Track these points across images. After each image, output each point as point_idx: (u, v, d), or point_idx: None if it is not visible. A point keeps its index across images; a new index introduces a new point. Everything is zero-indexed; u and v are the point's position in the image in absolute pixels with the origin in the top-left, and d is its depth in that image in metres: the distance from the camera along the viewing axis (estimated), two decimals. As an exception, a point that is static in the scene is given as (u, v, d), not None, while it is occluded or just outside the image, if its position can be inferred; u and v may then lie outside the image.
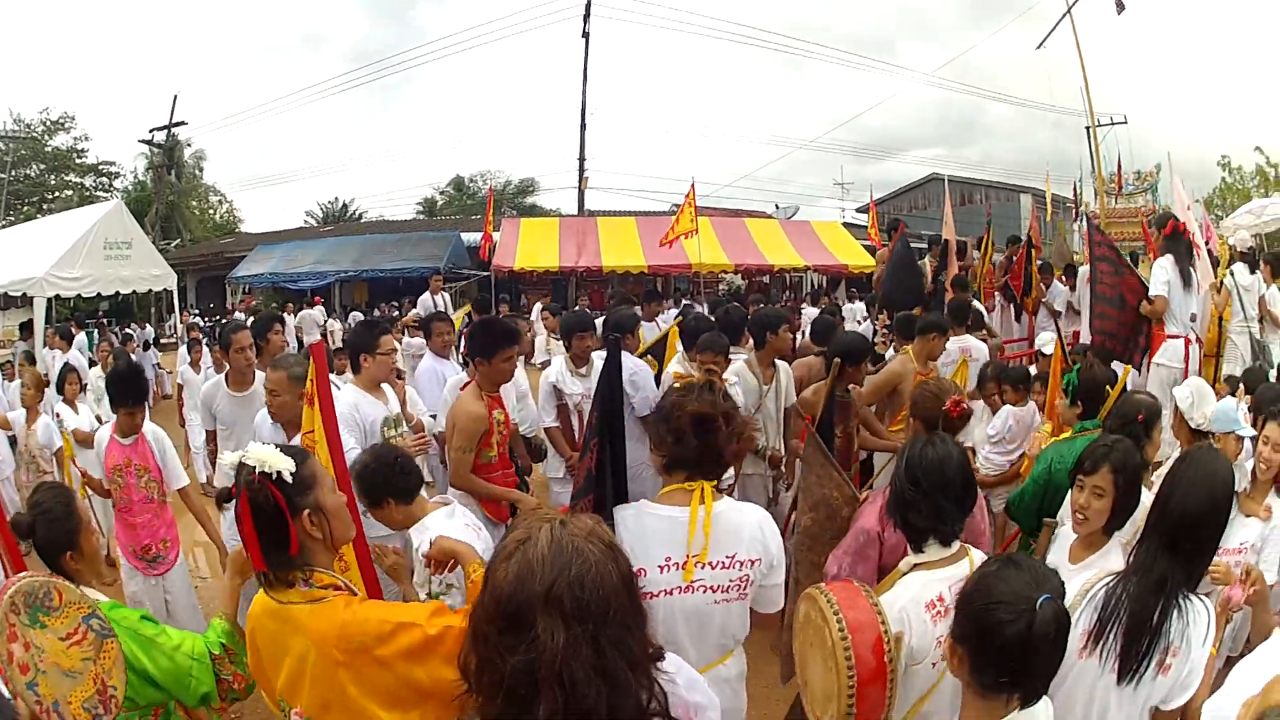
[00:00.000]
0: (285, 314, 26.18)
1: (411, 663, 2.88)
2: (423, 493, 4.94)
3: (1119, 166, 34.40)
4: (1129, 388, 6.86)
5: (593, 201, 47.82)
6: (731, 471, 7.00)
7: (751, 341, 8.48)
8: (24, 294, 20.42)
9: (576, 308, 25.05)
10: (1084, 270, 13.80)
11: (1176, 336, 9.87)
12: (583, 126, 46.39)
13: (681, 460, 3.81)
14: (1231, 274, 11.13)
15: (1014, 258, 16.29)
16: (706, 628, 3.76)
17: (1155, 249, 11.48)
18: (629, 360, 7.83)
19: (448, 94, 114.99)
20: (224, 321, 19.50)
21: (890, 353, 10.29)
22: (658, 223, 32.36)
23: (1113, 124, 40.52)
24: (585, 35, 45.35)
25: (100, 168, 52.13)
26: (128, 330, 26.81)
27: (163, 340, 28.52)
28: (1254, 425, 5.85)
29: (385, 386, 7.11)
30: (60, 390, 11.00)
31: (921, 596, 3.54)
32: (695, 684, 2.53)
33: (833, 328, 10.73)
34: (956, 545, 3.75)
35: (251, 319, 12.22)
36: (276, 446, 3.11)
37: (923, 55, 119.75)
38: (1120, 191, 32.87)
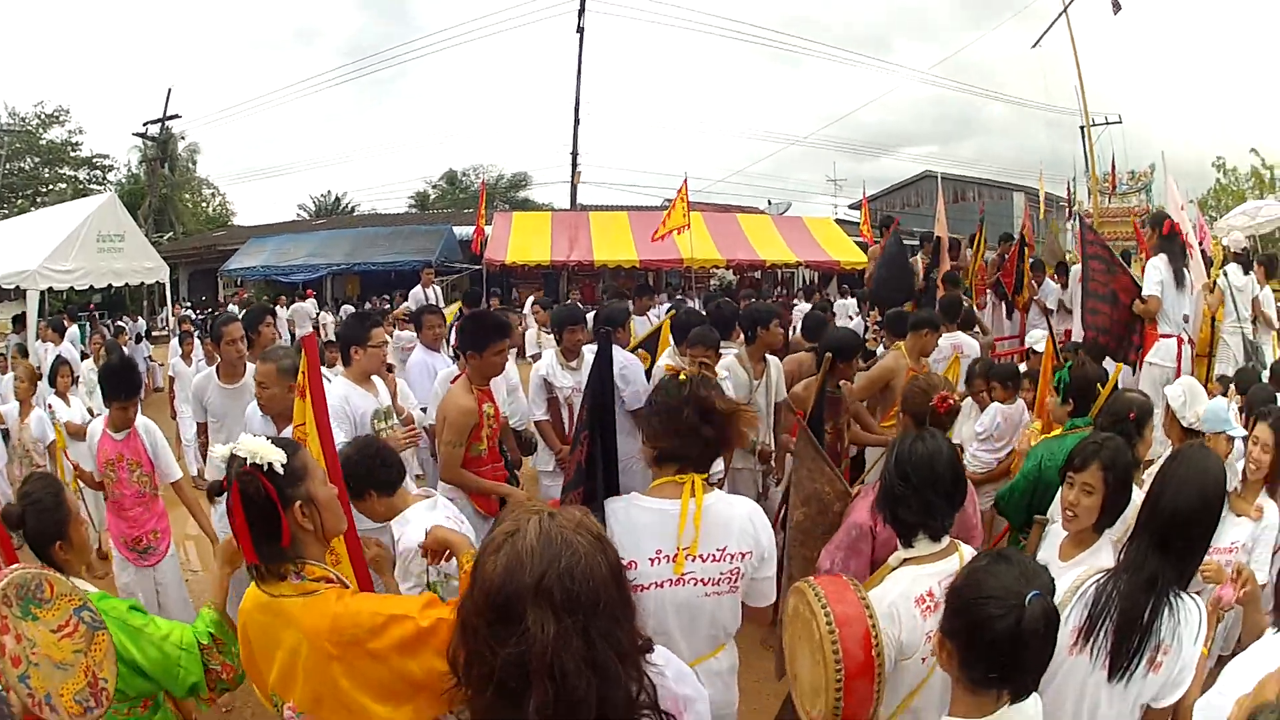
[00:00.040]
0: (278, 307, 26.23)
1: (404, 655, 2.87)
2: (411, 484, 4.96)
3: (1113, 166, 34.47)
4: (1120, 386, 6.87)
5: (585, 196, 47.90)
6: (721, 466, 7.04)
7: (742, 336, 8.49)
8: (17, 287, 20.40)
9: (568, 302, 25.02)
10: (1076, 269, 13.82)
11: (1169, 336, 9.89)
12: (576, 121, 46.37)
13: (672, 453, 3.81)
14: (1225, 274, 11.15)
15: (1006, 255, 16.31)
16: (697, 621, 3.76)
17: (1148, 248, 11.50)
18: (619, 354, 7.82)
19: (441, 88, 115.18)
20: (216, 314, 19.53)
21: (881, 349, 10.31)
22: (650, 217, 32.32)
23: (1107, 124, 40.63)
24: (579, 30, 45.34)
25: (94, 161, 51.93)
26: (119, 323, 26.78)
27: (154, 333, 28.55)
28: (1245, 425, 5.88)
29: (376, 379, 7.09)
30: (52, 383, 11.00)
31: (911, 591, 3.54)
32: (684, 677, 2.53)
33: (824, 323, 10.78)
34: (946, 540, 3.75)
35: (243, 311, 12.21)
36: (267, 438, 3.11)
37: (918, 52, 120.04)
38: (1114, 191, 32.92)
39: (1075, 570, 3.78)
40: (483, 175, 58.39)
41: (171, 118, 50.49)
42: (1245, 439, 5.72)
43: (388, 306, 24.76)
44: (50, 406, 10.34)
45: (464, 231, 37.79)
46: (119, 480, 7.06)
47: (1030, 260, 15.82)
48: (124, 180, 52.27)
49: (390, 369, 7.64)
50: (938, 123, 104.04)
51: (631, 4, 66.91)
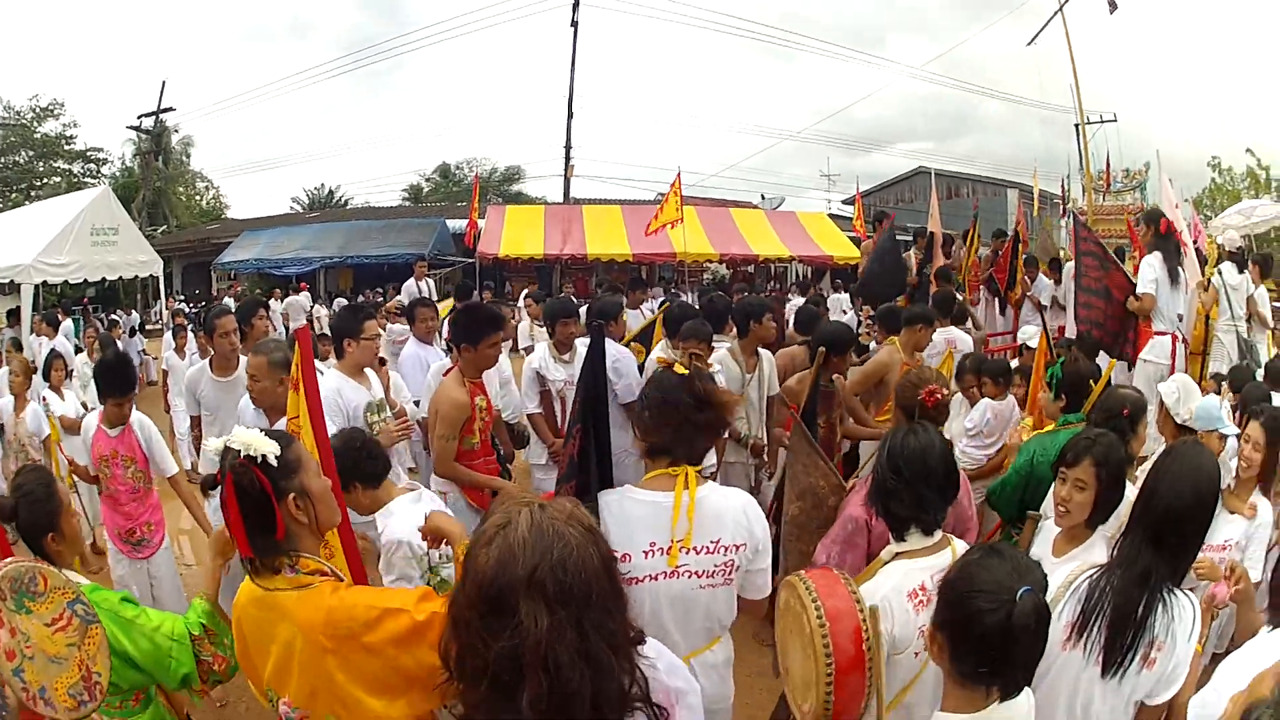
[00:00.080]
0: (272, 300, 26.23)
1: (399, 649, 2.86)
2: (403, 477, 4.96)
3: (1108, 164, 34.48)
4: (1113, 382, 6.88)
5: (579, 190, 47.86)
6: (714, 459, 7.05)
7: (735, 330, 8.50)
8: (11, 281, 20.36)
9: (561, 295, 25.06)
10: (1069, 266, 13.83)
11: (1164, 333, 9.92)
12: (570, 115, 46.38)
13: (665, 446, 3.82)
14: (1219, 273, 11.15)
15: (999, 252, 16.31)
16: (692, 613, 3.76)
17: (1141, 245, 11.51)
18: (612, 347, 7.85)
19: (435, 81, 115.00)
20: (209, 307, 19.54)
21: (873, 344, 10.33)
22: (643, 211, 32.39)
23: (1102, 122, 40.57)
24: (574, 24, 45.35)
25: (88, 154, 51.82)
26: (113, 316, 26.78)
27: (148, 326, 28.47)
28: (1239, 423, 5.90)
29: (369, 372, 7.11)
30: (46, 377, 10.98)
31: (903, 585, 3.54)
32: (676, 669, 2.52)
33: (817, 318, 10.76)
34: (939, 534, 3.75)
35: (236, 304, 12.22)
36: (261, 431, 3.11)
37: (913, 49, 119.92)
38: (1109, 189, 32.93)
39: (1068, 566, 3.77)
40: (476, 168, 58.28)
41: (165, 110, 50.50)
42: (1238, 437, 5.74)
43: (380, 299, 24.74)
44: (45, 400, 10.33)
45: (457, 225, 37.79)
46: (113, 476, 7.05)
47: (1024, 256, 15.83)
48: (118, 174, 52.21)
49: (383, 362, 7.63)
50: (932, 119, 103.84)
51: (627, -2, 66.87)
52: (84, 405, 11.16)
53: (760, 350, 8.40)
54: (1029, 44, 41.57)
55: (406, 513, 4.58)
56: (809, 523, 5.31)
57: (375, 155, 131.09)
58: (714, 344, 8.05)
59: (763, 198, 49.86)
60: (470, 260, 34.28)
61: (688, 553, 3.67)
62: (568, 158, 46.60)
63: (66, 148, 50.77)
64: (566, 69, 46.27)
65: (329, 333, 8.78)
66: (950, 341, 10.12)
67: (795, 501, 5.46)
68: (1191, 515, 3.47)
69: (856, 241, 29.34)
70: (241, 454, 2.98)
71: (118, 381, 7.04)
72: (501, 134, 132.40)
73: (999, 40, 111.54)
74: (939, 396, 5.35)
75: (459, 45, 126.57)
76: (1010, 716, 2.79)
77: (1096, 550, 4.08)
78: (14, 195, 46.36)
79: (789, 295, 27.13)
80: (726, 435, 7.73)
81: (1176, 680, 3.39)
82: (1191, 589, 3.65)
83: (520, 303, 20.38)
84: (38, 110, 49.64)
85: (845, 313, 20.13)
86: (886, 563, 3.71)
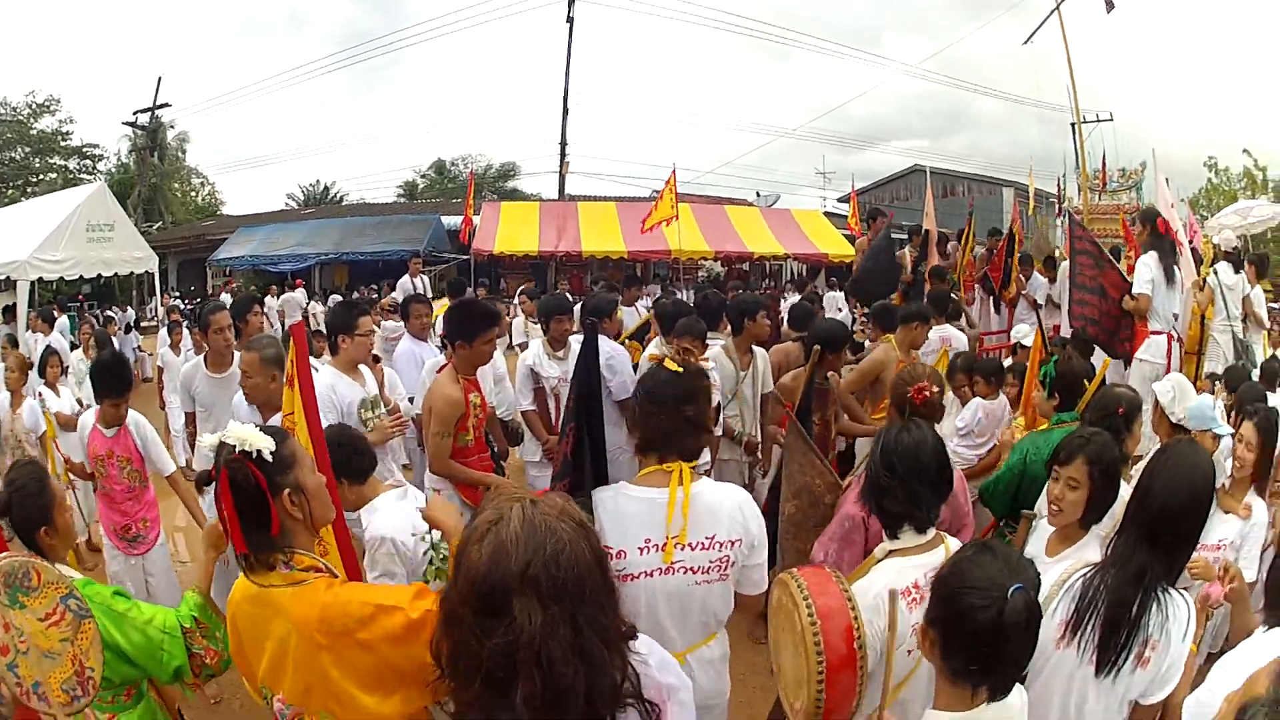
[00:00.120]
0: (269, 296, 26.21)
1: (393, 646, 2.87)
2: (398, 473, 4.96)
3: (1104, 163, 34.46)
4: (1108, 382, 6.89)
5: (574, 186, 47.84)
6: (708, 456, 7.06)
7: (729, 327, 8.51)
8: (7, 277, 20.33)
9: (556, 292, 25.06)
10: (1064, 265, 13.84)
11: (1159, 333, 9.92)
12: (565, 111, 46.36)
13: (656, 441, 3.84)
14: (1215, 272, 11.17)
15: (994, 250, 16.32)
16: (688, 609, 3.78)
17: (1137, 244, 11.52)
18: (606, 344, 7.85)
19: (431, 77, 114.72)
20: (204, 304, 19.52)
21: (868, 343, 10.34)
22: (638, 208, 32.35)
23: (1098, 121, 40.52)
24: (569, 20, 45.34)
25: (84, 150, 51.78)
26: (109, 313, 26.73)
27: (143, 323, 28.43)
28: (1234, 423, 5.92)
29: (363, 368, 7.11)
30: (42, 374, 10.96)
31: (896, 583, 3.49)
32: (668, 665, 2.52)
33: (811, 314, 10.77)
34: (932, 532, 3.76)
35: (231, 300, 12.23)
36: (255, 426, 3.11)
37: (909, 47, 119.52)
38: (1104, 188, 32.92)
39: (1061, 565, 3.78)
40: (471, 165, 58.45)
41: (161, 106, 50.44)
42: (1231, 436, 5.76)
43: (376, 296, 24.75)
44: (41, 396, 10.33)
45: (452, 221, 37.95)
46: (109, 475, 7.05)
47: (1019, 254, 15.83)
48: (113, 170, 52.12)
49: (377, 359, 7.64)
50: (928, 117, 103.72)
51: (622, -5, 66.86)
52: (79, 402, 11.16)
53: (754, 348, 8.40)
54: (1025, 42, 41.41)
55: (391, 510, 4.60)
56: (806, 521, 5.33)
57: (370, 151, 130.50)
58: (708, 341, 8.06)
59: (758, 195, 49.88)
60: (465, 257, 34.27)
61: (683, 549, 3.68)
62: (563, 154, 46.64)
63: (62, 144, 50.74)
64: (562, 65, 46.34)
65: (324, 329, 8.79)
66: (945, 339, 10.12)
67: (792, 500, 5.47)
68: (1186, 514, 3.46)
69: (851, 239, 29.39)
70: (237, 449, 2.98)
71: (114, 382, 7.02)
72: (497, 130, 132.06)
73: (995, 39, 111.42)
74: (927, 394, 5.35)
75: (454, 41, 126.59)
76: (1003, 715, 2.80)
77: (1090, 550, 4.05)
78: (10, 192, 46.25)
79: (785, 293, 27.13)
80: (721, 433, 7.76)
81: (1171, 680, 3.38)
82: (1186, 588, 3.65)
83: (515, 300, 20.42)
84: (34, 106, 49.62)
85: (840, 310, 20.11)
86: (880, 560, 3.71)
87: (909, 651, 3.48)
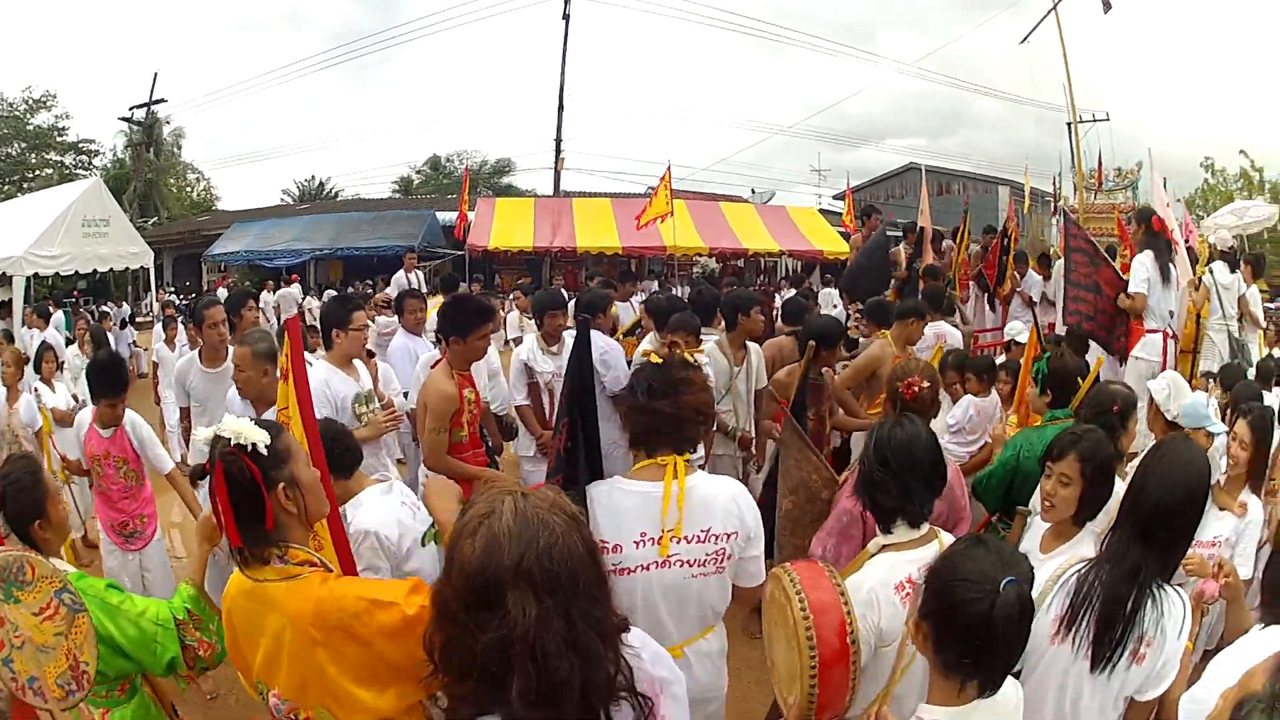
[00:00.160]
0: (265, 292, 26.24)
1: (388, 640, 2.87)
2: (392, 468, 4.96)
3: (1099, 163, 34.44)
4: (1102, 379, 6.89)
5: (569, 182, 47.93)
6: (702, 452, 7.07)
7: (723, 323, 8.52)
8: (3, 273, 20.32)
9: (551, 287, 25.09)
10: (1059, 263, 13.87)
11: (1155, 331, 9.95)
12: (560, 107, 46.42)
13: (644, 435, 3.86)
14: (1210, 272, 11.19)
15: (989, 248, 16.33)
16: (685, 602, 3.79)
17: (1132, 243, 11.54)
18: (600, 339, 7.89)
19: (426, 73, 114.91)
20: (199, 299, 19.48)
21: (861, 339, 10.36)
22: (633, 204, 32.29)
23: (1094, 120, 40.53)
24: (565, 16, 45.37)
25: (80, 146, 51.72)
26: (104, 308, 26.71)
27: (139, 319, 28.46)
28: (1229, 421, 5.94)
29: (357, 363, 7.11)
30: (37, 369, 10.96)
31: (890, 578, 3.54)
32: (661, 659, 2.52)
33: (804, 309, 10.82)
34: (926, 527, 3.76)
35: (226, 295, 12.23)
36: (251, 420, 3.11)
37: (905, 45, 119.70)
38: (1100, 188, 32.89)
39: (1056, 561, 3.78)
40: (466, 161, 58.41)
41: (157, 102, 50.35)
42: (1226, 434, 5.77)
43: (370, 291, 24.75)
44: (37, 392, 10.32)
45: (447, 217, 37.93)
46: (106, 475, 7.06)
47: (1014, 252, 15.84)
48: (109, 165, 52.10)
49: (371, 354, 7.64)
50: (924, 116, 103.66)
51: (619, -9, 66.84)
52: (74, 397, 11.14)
53: (748, 343, 8.43)
54: (1022, 42, 41.40)
55: (376, 504, 4.59)
56: (803, 517, 5.34)
57: (366, 147, 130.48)
58: (702, 336, 8.07)
59: (753, 192, 49.81)
60: (460, 252, 34.19)
61: (679, 542, 3.70)
62: (558, 150, 46.68)
63: (58, 139, 50.65)
64: (558, 62, 46.43)
65: (319, 325, 8.81)
66: (940, 336, 10.13)
67: (788, 496, 5.48)
68: (1181, 510, 3.46)
69: (846, 236, 29.39)
70: (232, 443, 2.98)
71: (110, 382, 7.02)
72: (492, 126, 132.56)
73: (992, 37, 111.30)
74: (917, 389, 5.36)
75: (450, 37, 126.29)
76: (997, 710, 2.80)
77: (1085, 546, 4.05)
78: (6, 188, 46.11)
79: (780, 289, 27.12)
80: (714, 428, 7.77)
81: (1166, 677, 3.39)
82: (1180, 585, 3.66)
83: (510, 295, 20.44)
84: (30, 102, 49.53)
85: (835, 307, 20.12)
86: (873, 555, 3.71)
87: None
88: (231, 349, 7.28)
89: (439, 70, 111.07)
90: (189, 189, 58.32)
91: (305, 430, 3.67)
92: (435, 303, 13.25)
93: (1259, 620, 3.46)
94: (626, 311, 13.04)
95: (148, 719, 3.95)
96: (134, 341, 22.78)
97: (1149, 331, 9.98)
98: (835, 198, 49.73)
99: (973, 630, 2.65)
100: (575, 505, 2.30)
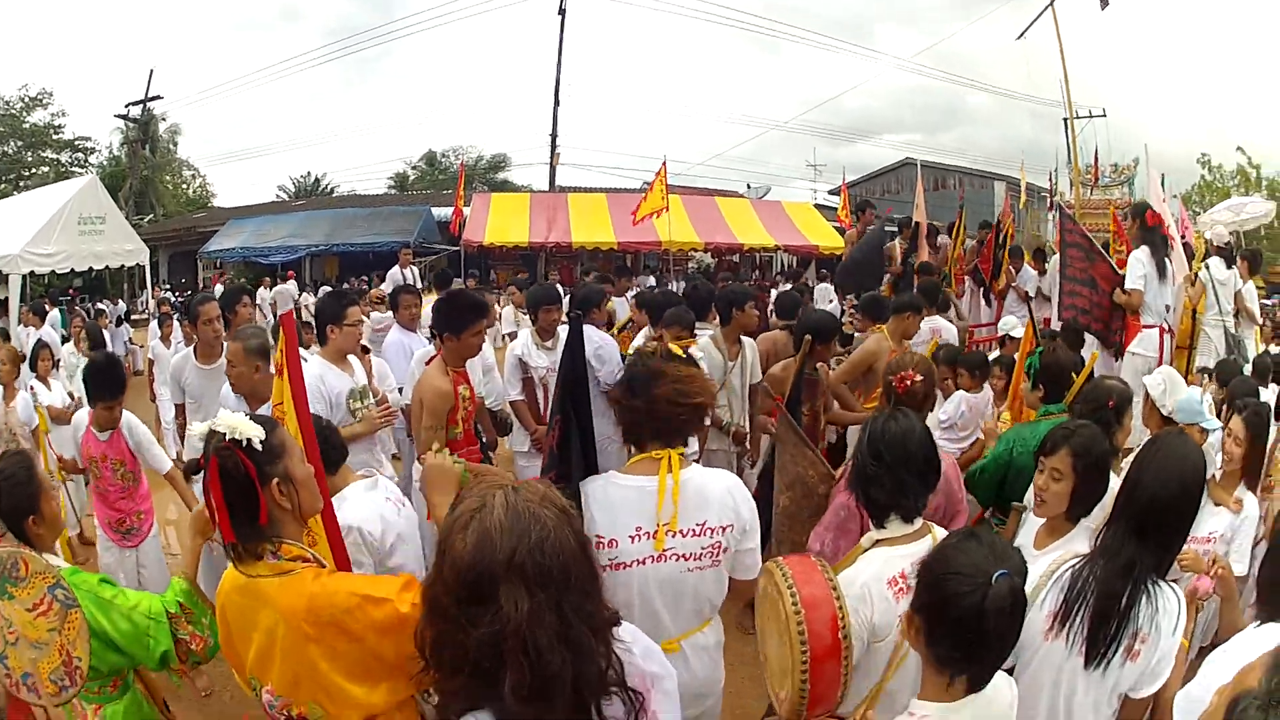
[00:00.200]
0: (261, 288, 26.26)
1: (380, 637, 2.87)
2: (387, 464, 4.94)
3: (1095, 159, 34.48)
4: (1096, 374, 6.89)
5: (564, 178, 48.06)
6: (696, 447, 7.07)
7: (718, 317, 8.53)
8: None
9: (545, 282, 25.13)
10: (1055, 259, 13.86)
11: (1151, 326, 9.95)
12: (556, 103, 46.51)
13: (637, 429, 3.88)
14: (1207, 267, 11.19)
15: (984, 242, 16.34)
16: (682, 596, 3.79)
17: (1126, 237, 11.55)
18: (595, 334, 7.95)
19: (422, 69, 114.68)
20: (194, 296, 19.44)
21: (857, 334, 10.37)
22: (628, 199, 32.34)
23: (1091, 117, 40.60)
24: (561, 11, 45.40)
25: (76, 144, 51.74)
26: (100, 306, 26.72)
27: (134, 316, 28.43)
28: (1224, 417, 5.95)
29: (352, 359, 7.12)
30: (33, 367, 10.97)
31: (883, 573, 3.54)
32: (651, 653, 2.52)
33: (798, 304, 10.78)
34: (919, 522, 3.76)
35: (220, 291, 12.24)
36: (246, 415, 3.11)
37: (902, 40, 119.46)
38: (1096, 183, 32.92)
39: (1049, 557, 3.76)
40: (462, 156, 58.30)
41: (153, 99, 50.32)
42: (1220, 430, 5.78)
43: (366, 287, 24.77)
44: (32, 390, 10.32)
45: (443, 213, 37.84)
46: (103, 477, 7.07)
47: (1009, 247, 15.84)
48: (105, 163, 52.07)
49: (366, 350, 7.64)
50: (921, 111, 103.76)
51: (614, -13, 66.89)
52: (70, 395, 11.14)
53: (743, 338, 8.44)
54: (1019, 37, 41.43)
55: (359, 500, 4.58)
56: (800, 512, 5.33)
57: (362, 143, 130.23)
58: (697, 331, 8.10)
59: (749, 187, 49.84)
60: (455, 248, 34.33)
61: (674, 536, 3.70)
62: (554, 146, 46.77)
63: (55, 137, 50.66)
64: (553, 57, 46.46)
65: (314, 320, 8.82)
66: (935, 331, 10.16)
67: (785, 492, 5.48)
68: (1176, 506, 3.45)
69: (841, 231, 29.44)
70: (227, 437, 2.98)
71: (107, 384, 7.02)
72: (488, 122, 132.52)
73: (989, 33, 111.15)
74: (910, 382, 5.36)
75: (446, 33, 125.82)
76: (991, 706, 2.80)
77: (1079, 543, 4.00)
78: (2, 186, 46.07)
79: (775, 284, 27.12)
80: (709, 423, 7.77)
81: (1161, 674, 3.38)
82: (1175, 580, 3.65)
83: (505, 290, 20.49)
84: (27, 100, 49.54)
85: (831, 302, 20.13)
86: (866, 550, 3.70)
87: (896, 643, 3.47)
88: (227, 345, 7.29)
89: (434, 66, 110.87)
90: (185, 186, 58.31)
91: (300, 426, 3.67)
92: (431, 299, 13.30)
93: (1255, 618, 3.45)
94: (623, 307, 13.08)
95: (140, 715, 3.95)
96: (130, 339, 22.80)
97: (1145, 327, 9.98)
98: (831, 193, 49.83)
99: (964, 623, 2.64)
100: (566, 499, 2.30)
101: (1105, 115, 41.04)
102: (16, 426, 9.55)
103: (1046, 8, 37.39)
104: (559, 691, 2.05)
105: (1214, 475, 5.53)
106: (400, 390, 8.02)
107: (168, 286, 37.09)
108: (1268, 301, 20.88)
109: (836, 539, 4.42)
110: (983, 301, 16.50)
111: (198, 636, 3.64)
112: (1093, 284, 10.16)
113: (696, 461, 4.50)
